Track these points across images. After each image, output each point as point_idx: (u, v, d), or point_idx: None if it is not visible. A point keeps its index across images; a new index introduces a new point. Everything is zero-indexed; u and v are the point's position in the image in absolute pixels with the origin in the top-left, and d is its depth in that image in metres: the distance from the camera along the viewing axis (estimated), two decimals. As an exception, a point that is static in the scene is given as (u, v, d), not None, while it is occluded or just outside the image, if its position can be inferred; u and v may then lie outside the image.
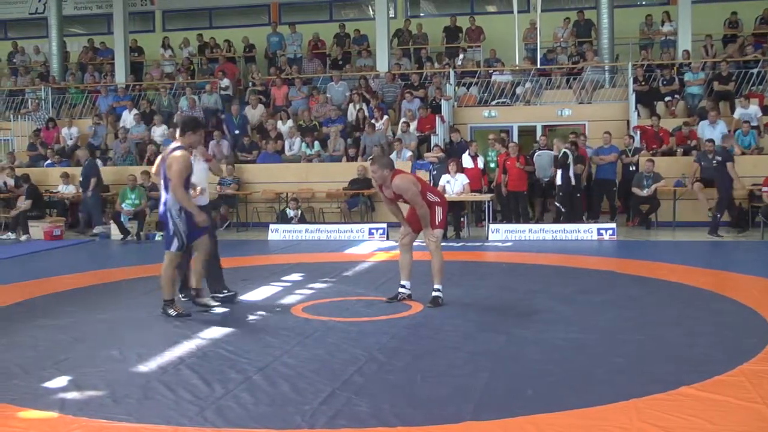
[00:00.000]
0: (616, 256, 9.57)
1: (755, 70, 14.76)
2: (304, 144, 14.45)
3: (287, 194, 13.48)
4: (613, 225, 11.50)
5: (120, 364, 4.85)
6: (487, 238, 11.46)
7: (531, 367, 4.59)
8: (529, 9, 17.92)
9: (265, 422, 3.72)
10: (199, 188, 6.63)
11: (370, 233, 11.92)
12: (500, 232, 11.51)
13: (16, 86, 18.68)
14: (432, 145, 13.57)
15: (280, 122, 15.27)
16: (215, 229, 7.37)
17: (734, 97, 14.28)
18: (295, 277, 8.22)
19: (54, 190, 14.16)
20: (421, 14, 19.89)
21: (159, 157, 6.52)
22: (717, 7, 17.08)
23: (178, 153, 6.07)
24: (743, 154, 12.52)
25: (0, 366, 4.81)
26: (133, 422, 3.74)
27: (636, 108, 14.30)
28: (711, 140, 12.19)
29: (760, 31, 16.48)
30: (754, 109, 13.50)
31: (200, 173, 6.75)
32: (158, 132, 15.34)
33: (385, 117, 14.79)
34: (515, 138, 14.66)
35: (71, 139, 16.05)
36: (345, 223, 12.85)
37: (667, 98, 14.69)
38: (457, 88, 15.91)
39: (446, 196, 10.65)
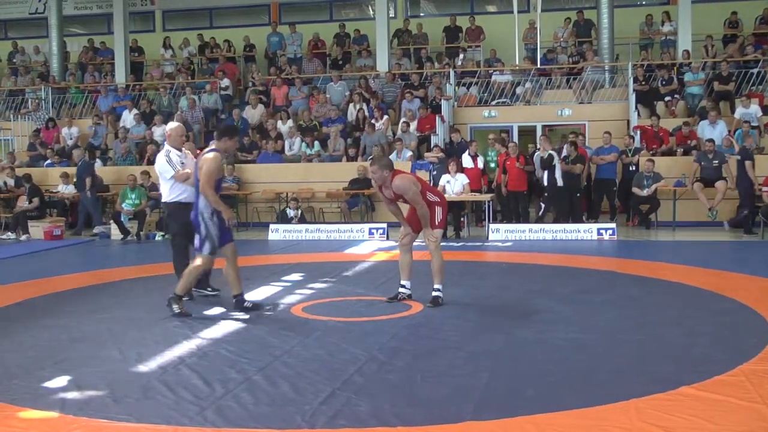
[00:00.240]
0: (616, 256, 9.57)
1: (755, 70, 14.77)
2: (304, 144, 14.45)
3: (287, 194, 13.48)
4: (613, 225, 11.50)
5: (120, 363, 4.85)
6: (487, 238, 11.46)
7: (531, 367, 4.59)
8: (529, 9, 17.93)
9: (265, 422, 3.72)
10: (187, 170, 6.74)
11: (370, 233, 11.92)
12: (500, 232, 11.52)
13: (16, 86, 18.68)
14: (432, 145, 13.57)
15: (280, 122, 15.27)
16: None
17: (734, 97, 14.29)
18: (295, 277, 8.22)
19: (54, 190, 14.16)
20: (421, 14, 19.89)
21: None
22: (717, 7, 17.09)
23: (210, 155, 6.15)
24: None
25: (0, 366, 4.81)
26: (133, 422, 3.74)
27: (636, 108, 14.31)
28: (711, 140, 12.21)
29: (760, 31, 16.48)
30: (754, 108, 13.51)
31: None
32: (158, 132, 15.34)
33: (385, 117, 14.79)
34: (515, 138, 14.66)
35: (71, 139, 16.05)
36: (345, 223, 12.85)
37: (667, 98, 14.70)
38: (457, 88, 15.91)
39: (446, 196, 10.67)
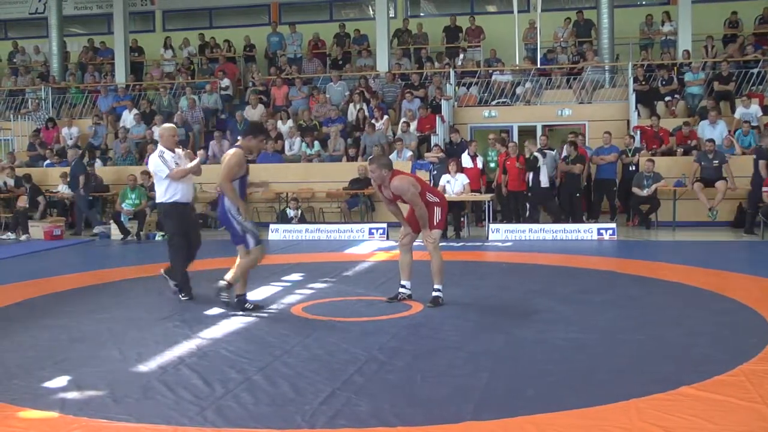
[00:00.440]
0: (616, 256, 9.57)
1: (755, 70, 14.76)
2: (304, 144, 14.45)
3: (287, 194, 13.48)
4: (613, 225, 11.50)
5: (120, 363, 4.84)
6: (487, 238, 11.46)
7: (531, 367, 4.59)
8: (529, 9, 17.93)
9: (265, 422, 3.72)
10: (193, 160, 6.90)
11: (370, 233, 11.92)
12: (500, 232, 11.51)
13: (16, 86, 18.67)
14: (432, 145, 13.57)
15: (280, 122, 15.27)
16: (198, 227, 7.53)
17: (734, 97, 14.28)
18: (295, 277, 8.22)
19: (54, 190, 14.16)
20: (421, 14, 19.89)
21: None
22: (717, 6, 17.09)
23: (232, 151, 6.21)
24: (743, 153, 12.52)
25: (0, 366, 4.81)
26: (133, 422, 3.74)
27: (636, 108, 14.30)
28: (711, 140, 12.21)
29: (760, 31, 16.48)
30: (754, 108, 13.50)
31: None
32: (158, 132, 15.34)
33: (385, 117, 14.79)
34: (515, 138, 14.66)
35: (71, 139, 16.05)
36: (345, 223, 12.85)
37: (667, 98, 14.70)
38: (457, 88, 15.91)
39: (446, 196, 10.67)
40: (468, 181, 11.86)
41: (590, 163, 12.75)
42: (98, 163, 14.89)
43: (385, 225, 11.94)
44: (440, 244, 6.47)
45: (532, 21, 16.90)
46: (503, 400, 3.99)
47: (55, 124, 16.56)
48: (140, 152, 15.10)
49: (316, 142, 14.44)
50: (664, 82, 14.88)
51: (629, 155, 12.75)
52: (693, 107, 14.52)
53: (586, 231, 11.35)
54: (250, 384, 4.30)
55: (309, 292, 7.27)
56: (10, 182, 14.17)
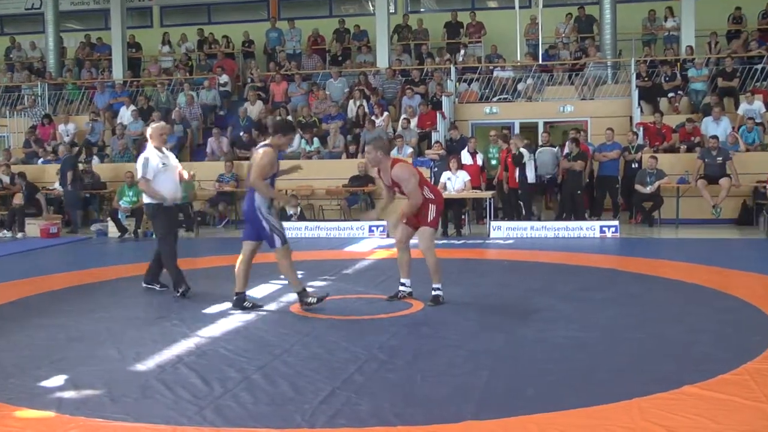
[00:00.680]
0: (619, 254, 9.54)
1: (759, 66, 14.68)
2: (303, 140, 14.39)
3: (286, 191, 13.41)
4: (616, 222, 11.45)
5: (118, 362, 4.80)
6: (489, 235, 11.42)
7: (532, 366, 4.55)
8: (531, 4, 17.88)
9: (264, 421, 3.68)
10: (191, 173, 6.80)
11: (370, 230, 11.88)
12: (501, 230, 11.47)
13: (12, 82, 18.61)
14: (433, 142, 13.52)
15: (279, 119, 15.20)
16: (178, 228, 7.57)
17: (738, 93, 14.21)
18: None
19: (50, 188, 14.10)
20: (422, 9, 19.84)
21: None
22: (720, 2, 17.00)
23: (262, 149, 6.17)
24: (747, 150, 12.46)
25: (-4, 365, 4.77)
26: (131, 421, 3.70)
27: (639, 104, 14.24)
28: (715, 137, 12.15)
29: (764, 27, 16.44)
30: (758, 105, 13.44)
31: (172, 171, 7.00)
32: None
33: (386, 113, 14.73)
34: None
35: (68, 135, 15.98)
36: (345, 220, 12.80)
37: (671, 94, 14.63)
38: (458, 84, 15.85)
39: (447, 193, 10.63)
40: (469, 178, 11.81)
41: (593, 160, 12.69)
42: (95, 160, 14.83)
43: (385, 222, 11.89)
44: (440, 242, 6.42)
45: (534, 16, 16.84)
46: (504, 399, 3.96)
47: (51, 120, 16.48)
48: (138, 149, 14.96)
49: (316, 139, 14.38)
50: (667, 78, 14.81)
51: (632, 152, 12.69)
52: (696, 103, 14.44)
53: (588, 228, 11.31)
54: (249, 383, 4.26)
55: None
56: (6, 179, 14.10)
